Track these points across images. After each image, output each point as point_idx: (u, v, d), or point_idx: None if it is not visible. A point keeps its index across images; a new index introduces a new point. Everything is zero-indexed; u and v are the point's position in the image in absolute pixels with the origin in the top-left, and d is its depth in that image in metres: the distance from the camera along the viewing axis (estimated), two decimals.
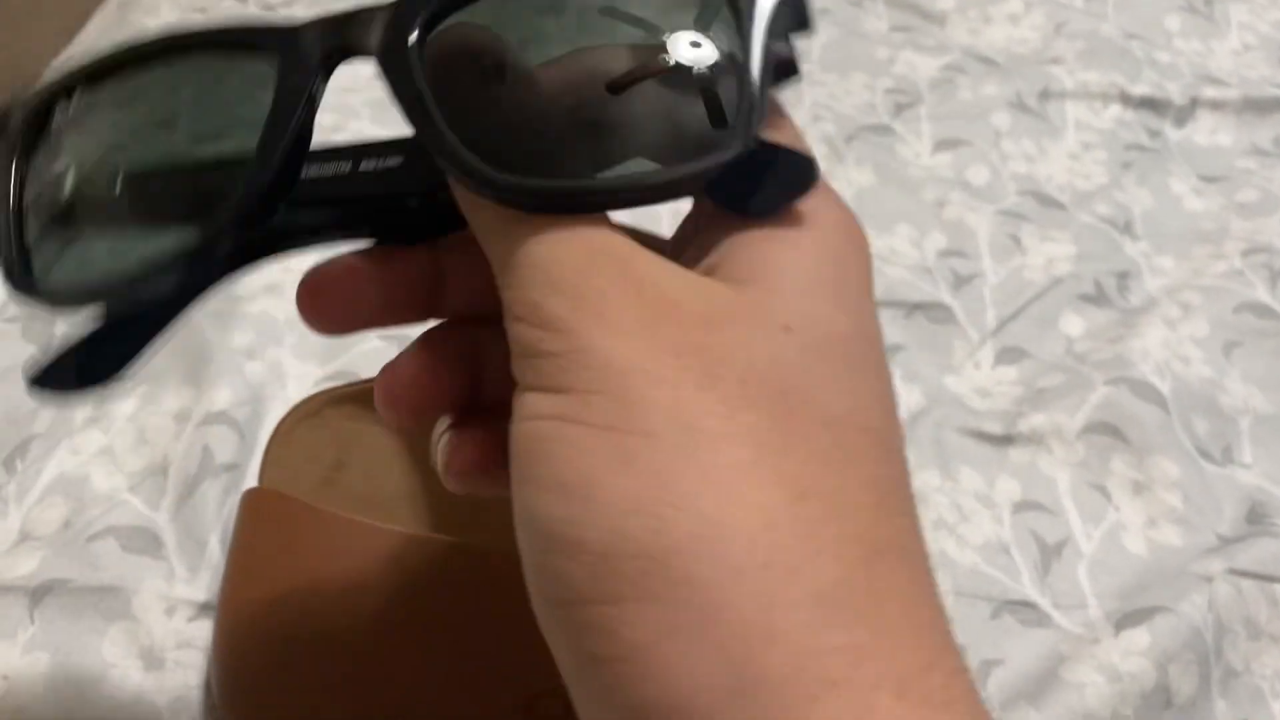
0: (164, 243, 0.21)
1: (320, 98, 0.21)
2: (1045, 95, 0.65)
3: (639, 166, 0.20)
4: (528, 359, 0.18)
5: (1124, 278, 0.55)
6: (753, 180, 0.19)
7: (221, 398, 0.43)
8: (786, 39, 0.21)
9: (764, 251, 0.19)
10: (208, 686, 0.36)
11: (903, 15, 0.72)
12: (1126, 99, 0.66)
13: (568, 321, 0.18)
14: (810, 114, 0.63)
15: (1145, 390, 0.47)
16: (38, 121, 0.23)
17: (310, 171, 0.24)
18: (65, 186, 0.23)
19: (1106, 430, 0.46)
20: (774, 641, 0.16)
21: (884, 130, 0.63)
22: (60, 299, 0.21)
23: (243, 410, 0.43)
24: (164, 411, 0.43)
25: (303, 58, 0.21)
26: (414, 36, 0.20)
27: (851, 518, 0.17)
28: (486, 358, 0.24)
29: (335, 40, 0.21)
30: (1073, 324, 0.52)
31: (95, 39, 0.65)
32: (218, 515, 0.40)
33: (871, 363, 0.19)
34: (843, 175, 0.59)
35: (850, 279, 0.20)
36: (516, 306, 0.19)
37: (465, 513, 0.39)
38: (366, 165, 0.24)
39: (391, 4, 0.21)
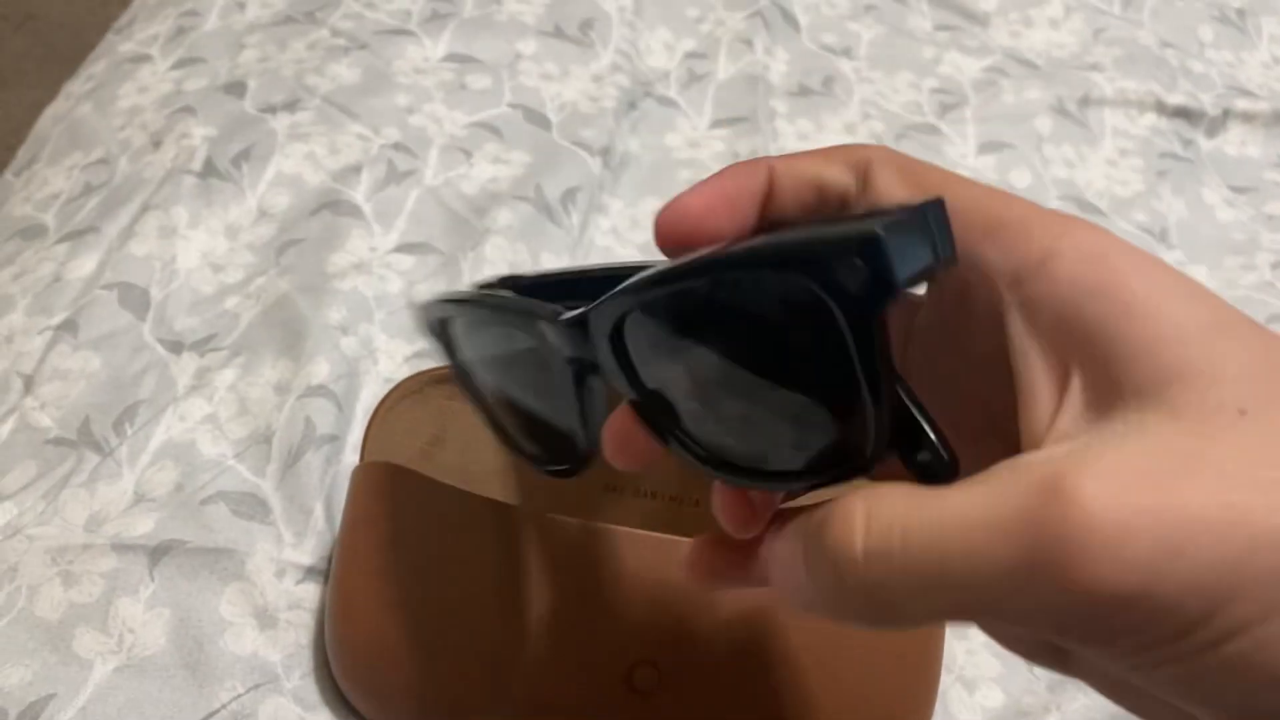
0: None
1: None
2: (1085, 102, 0.68)
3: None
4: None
5: None
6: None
7: (320, 371, 0.45)
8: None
9: (1122, 352, 0.17)
10: (320, 646, 0.38)
11: (946, 14, 0.74)
12: (1162, 108, 0.68)
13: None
14: (860, 112, 0.65)
15: None
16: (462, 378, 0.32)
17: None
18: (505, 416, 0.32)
19: None
20: None
21: (931, 130, 0.65)
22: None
23: (340, 384, 0.45)
24: (264, 383, 0.45)
25: (562, 378, 0.26)
26: (628, 386, 0.23)
27: None
28: None
29: (576, 364, 0.25)
30: None
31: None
32: (321, 484, 0.42)
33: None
34: None
35: (1193, 294, 0.18)
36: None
37: (555, 490, 0.41)
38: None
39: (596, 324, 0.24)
